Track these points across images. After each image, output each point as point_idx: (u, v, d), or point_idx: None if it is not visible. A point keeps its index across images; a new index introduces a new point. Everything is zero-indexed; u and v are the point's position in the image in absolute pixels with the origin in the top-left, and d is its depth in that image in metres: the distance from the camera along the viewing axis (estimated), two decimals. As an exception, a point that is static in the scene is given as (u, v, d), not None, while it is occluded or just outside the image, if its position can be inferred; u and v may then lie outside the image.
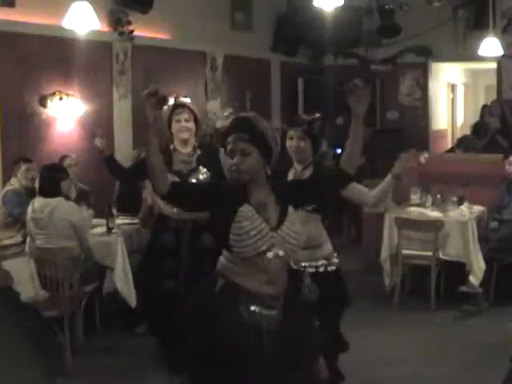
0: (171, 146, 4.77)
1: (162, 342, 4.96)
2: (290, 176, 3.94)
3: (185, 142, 4.76)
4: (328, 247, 3.99)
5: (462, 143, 8.18)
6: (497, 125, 8.86)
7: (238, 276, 2.88)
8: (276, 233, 2.87)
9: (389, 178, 4.09)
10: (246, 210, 2.85)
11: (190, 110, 4.78)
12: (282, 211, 2.91)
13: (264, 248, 2.84)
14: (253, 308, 2.85)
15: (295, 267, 3.77)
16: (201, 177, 4.69)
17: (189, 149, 4.78)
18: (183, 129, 4.72)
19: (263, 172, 2.91)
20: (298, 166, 4.03)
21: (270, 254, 2.84)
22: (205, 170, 4.70)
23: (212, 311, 2.87)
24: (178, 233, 4.72)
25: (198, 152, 4.78)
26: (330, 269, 3.91)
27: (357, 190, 4.10)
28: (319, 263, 3.89)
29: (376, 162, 9.76)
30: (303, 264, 3.84)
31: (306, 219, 3.91)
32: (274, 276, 2.87)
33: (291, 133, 3.91)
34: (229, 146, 2.88)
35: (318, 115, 4.02)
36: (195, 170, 4.70)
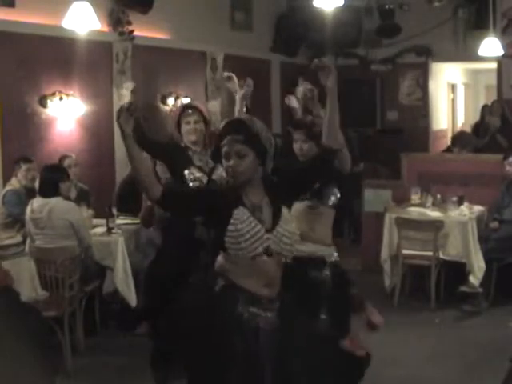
0: (182, 144, 4.78)
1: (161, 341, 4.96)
2: None
3: (194, 143, 4.77)
4: (329, 250, 4.01)
5: (458, 140, 8.12)
6: (498, 123, 8.85)
7: (237, 277, 2.88)
8: (271, 234, 2.87)
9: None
10: (240, 212, 2.85)
11: (200, 112, 4.79)
12: (276, 212, 2.91)
13: (260, 250, 2.84)
14: (251, 309, 2.86)
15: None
16: (221, 173, 4.66)
17: (199, 149, 4.79)
18: (192, 131, 4.73)
19: (258, 173, 2.92)
20: None
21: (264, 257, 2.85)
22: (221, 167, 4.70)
23: (212, 311, 2.88)
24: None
25: (209, 150, 4.78)
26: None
27: None
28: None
29: (376, 162, 9.78)
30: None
31: (320, 217, 3.87)
32: (270, 278, 2.88)
33: (295, 136, 3.95)
34: (224, 149, 2.88)
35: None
36: (214, 168, 4.69)
